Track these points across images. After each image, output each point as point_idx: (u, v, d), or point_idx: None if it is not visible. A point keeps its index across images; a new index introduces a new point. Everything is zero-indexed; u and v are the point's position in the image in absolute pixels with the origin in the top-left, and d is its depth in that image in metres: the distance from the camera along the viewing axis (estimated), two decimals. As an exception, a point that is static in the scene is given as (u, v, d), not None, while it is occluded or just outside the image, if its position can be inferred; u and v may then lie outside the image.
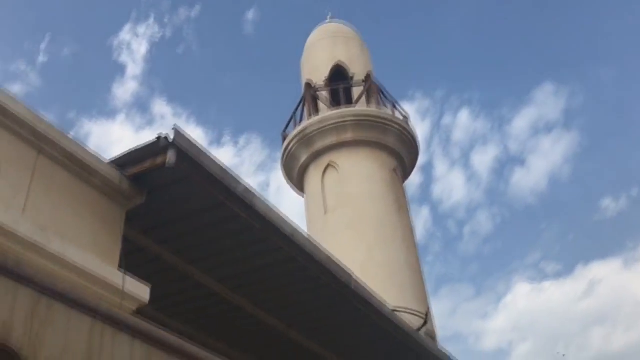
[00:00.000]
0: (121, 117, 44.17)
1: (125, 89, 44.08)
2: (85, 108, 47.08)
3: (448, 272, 43.13)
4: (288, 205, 38.43)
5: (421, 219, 39.33)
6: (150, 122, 43.40)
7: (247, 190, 4.65)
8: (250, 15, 43.81)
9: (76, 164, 3.92)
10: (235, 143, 45.76)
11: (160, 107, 44.79)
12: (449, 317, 40.13)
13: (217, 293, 5.67)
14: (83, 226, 3.85)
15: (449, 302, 42.62)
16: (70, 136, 3.93)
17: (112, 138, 42.77)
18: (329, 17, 17.99)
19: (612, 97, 39.27)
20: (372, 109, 14.56)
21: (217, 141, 45.94)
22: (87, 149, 4.01)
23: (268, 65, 43.44)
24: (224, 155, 42.86)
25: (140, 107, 45.23)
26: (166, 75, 45.11)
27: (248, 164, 44.69)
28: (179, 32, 43.88)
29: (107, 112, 44.30)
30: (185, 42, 43.99)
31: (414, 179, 39.40)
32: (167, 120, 43.08)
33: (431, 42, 42.38)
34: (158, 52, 44.02)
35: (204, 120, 47.37)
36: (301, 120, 15.35)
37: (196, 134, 42.03)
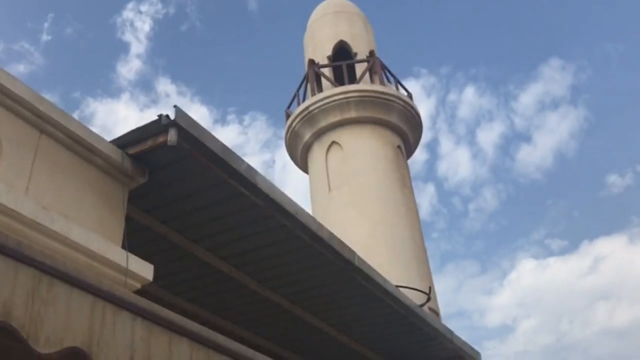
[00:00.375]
0: (126, 96, 44.10)
1: (129, 68, 43.91)
2: (90, 87, 46.98)
3: (453, 248, 43.25)
4: (294, 182, 38.53)
5: (427, 196, 39.33)
6: (154, 100, 43.35)
7: (250, 168, 4.67)
8: (255, -10, 43.39)
9: (79, 144, 3.95)
10: (241, 121, 45.73)
11: (165, 85, 44.68)
12: (453, 294, 40.37)
13: (221, 271, 5.71)
14: (86, 206, 3.88)
15: (454, 278, 42.84)
16: (72, 116, 3.94)
17: (118, 117, 42.78)
18: (332, -8, 17.79)
19: (619, 73, 38.90)
20: (376, 86, 14.49)
21: (222, 119, 45.93)
22: (89, 129, 4.03)
23: (273, 42, 43.14)
24: (229, 134, 42.86)
25: (145, 85, 45.13)
26: (170, 53, 44.90)
27: (253, 142, 44.69)
28: (182, 9, 43.56)
29: (112, 91, 44.23)
30: (189, 19, 43.69)
31: (420, 156, 39.41)
32: (171, 99, 43.01)
33: (436, 19, 41.94)
34: (161, 30, 43.79)
35: (209, 98, 47.24)
36: (304, 98, 15.30)
37: (201, 113, 42.00)
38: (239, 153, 4.59)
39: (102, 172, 4.10)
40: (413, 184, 14.37)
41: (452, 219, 43.26)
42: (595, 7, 38.70)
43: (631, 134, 39.09)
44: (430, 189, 40.88)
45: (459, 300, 42.12)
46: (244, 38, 43.44)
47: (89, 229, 3.72)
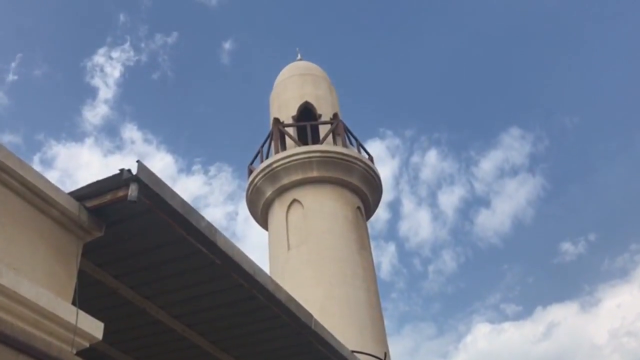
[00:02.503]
0: (90, 141, 43.40)
1: (96, 113, 43.39)
2: (54, 130, 46.26)
3: (411, 309, 43.19)
4: (255, 236, 38.27)
5: (387, 255, 39.47)
6: (119, 147, 42.82)
7: (210, 226, 4.60)
8: (228, 45, 44.04)
9: (34, 194, 3.84)
10: (206, 172, 45.48)
11: (131, 132, 44.27)
12: (410, 356, 39.97)
13: (173, 329, 5.55)
14: (38, 259, 3.75)
15: (411, 340, 42.58)
16: (30, 165, 3.85)
17: (80, 162, 42.02)
18: (299, 55, 18.23)
19: (575, 145, 40.55)
20: (338, 147, 14.69)
21: (188, 169, 45.68)
22: (47, 179, 3.94)
23: (242, 95, 43.59)
24: (194, 184, 42.54)
25: (110, 131, 44.55)
26: (139, 100, 44.74)
27: (218, 193, 44.44)
28: (154, 58, 43.69)
29: (76, 135, 43.55)
30: (160, 68, 43.79)
31: (382, 215, 39.67)
32: (137, 145, 42.57)
33: (404, 83, 43.24)
34: (132, 77, 43.69)
35: (175, 147, 46.94)
36: (268, 155, 15.38)
37: (166, 161, 41.69)
38: (202, 204, 4.59)
39: (56, 224, 3.99)
40: (374, 243, 14.52)
41: (411, 279, 43.42)
42: (555, 82, 40.57)
43: (584, 204, 40.44)
44: (391, 248, 41.12)
45: (415, 363, 41.69)
46: (215, 90, 43.80)
47: (39, 283, 3.58)
